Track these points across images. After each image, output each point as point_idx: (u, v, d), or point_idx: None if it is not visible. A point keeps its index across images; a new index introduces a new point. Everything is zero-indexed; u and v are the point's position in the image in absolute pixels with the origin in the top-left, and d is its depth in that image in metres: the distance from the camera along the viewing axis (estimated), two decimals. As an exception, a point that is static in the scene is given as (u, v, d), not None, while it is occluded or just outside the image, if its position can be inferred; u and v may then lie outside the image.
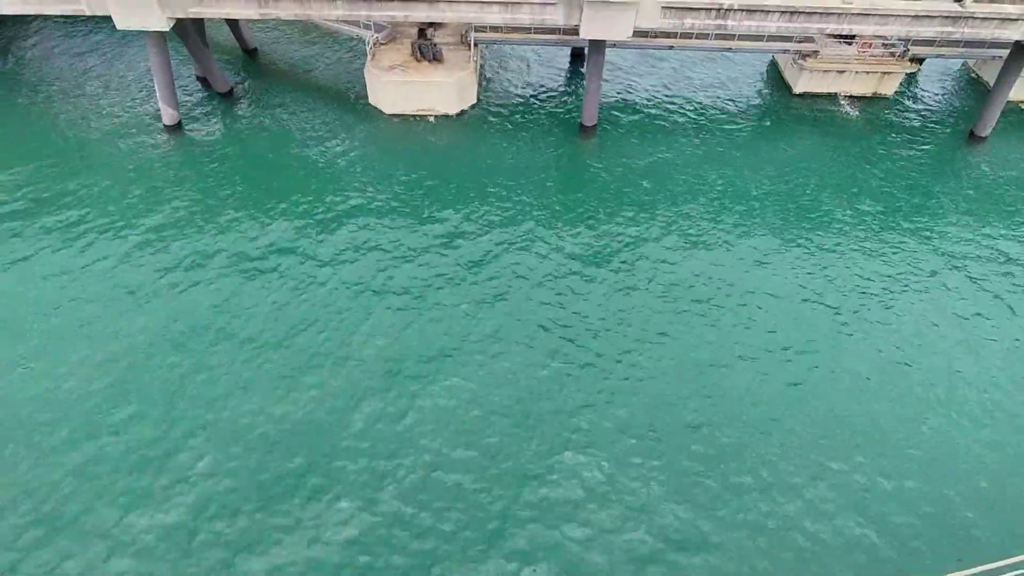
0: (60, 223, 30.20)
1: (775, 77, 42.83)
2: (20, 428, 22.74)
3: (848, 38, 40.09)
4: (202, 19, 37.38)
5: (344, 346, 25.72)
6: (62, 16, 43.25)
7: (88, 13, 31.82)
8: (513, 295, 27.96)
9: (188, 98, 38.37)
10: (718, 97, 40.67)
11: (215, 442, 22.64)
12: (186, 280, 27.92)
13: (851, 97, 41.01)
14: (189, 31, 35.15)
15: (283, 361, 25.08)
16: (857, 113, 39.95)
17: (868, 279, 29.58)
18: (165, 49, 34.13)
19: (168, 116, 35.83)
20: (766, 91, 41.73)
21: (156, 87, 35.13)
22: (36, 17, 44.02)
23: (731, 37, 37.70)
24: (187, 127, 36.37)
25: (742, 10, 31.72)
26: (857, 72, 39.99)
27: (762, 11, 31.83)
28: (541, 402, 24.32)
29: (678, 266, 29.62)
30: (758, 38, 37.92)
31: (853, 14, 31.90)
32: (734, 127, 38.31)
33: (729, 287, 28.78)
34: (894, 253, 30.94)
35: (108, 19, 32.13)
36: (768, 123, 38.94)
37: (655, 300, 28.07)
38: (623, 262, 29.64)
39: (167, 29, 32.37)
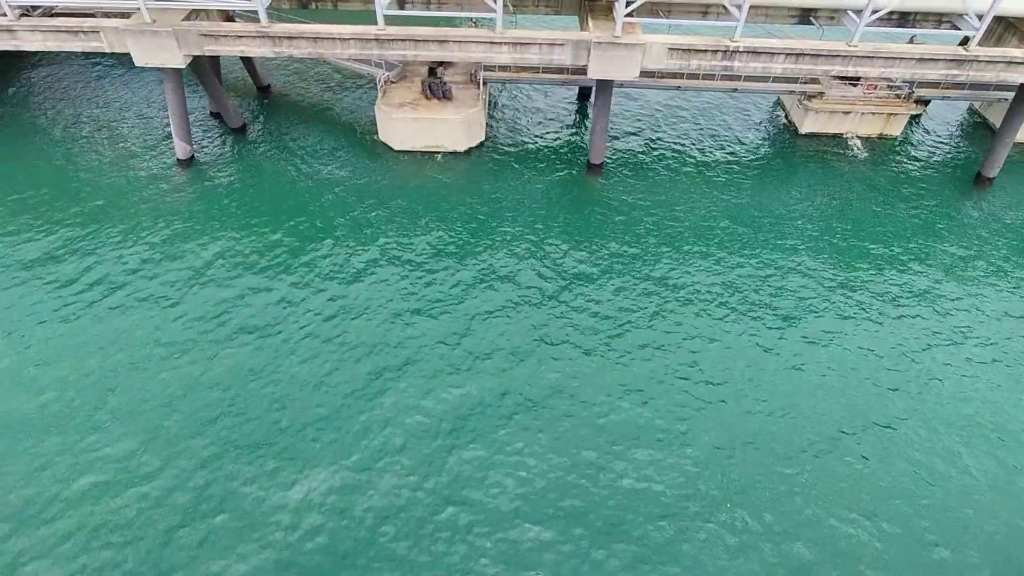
0: (68, 259, 30.39)
1: (781, 117, 43.17)
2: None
3: (853, 79, 40.51)
4: (218, 57, 38.25)
5: (341, 392, 25.45)
6: (82, 52, 44.35)
7: (107, 50, 32.55)
8: (514, 337, 27.69)
9: (202, 133, 39.00)
10: (724, 137, 40.96)
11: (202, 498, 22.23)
12: (190, 317, 27.90)
13: (857, 137, 41.23)
14: (205, 68, 35.90)
15: (289, 405, 24.83)
16: (864, 154, 40.06)
17: (875, 322, 29.17)
18: (180, 86, 34.80)
19: (181, 150, 36.36)
20: (772, 131, 42.01)
21: (171, 122, 35.73)
22: (57, 52, 45.19)
23: (737, 78, 38.19)
24: (200, 162, 36.85)
25: (748, 52, 32.14)
26: (863, 113, 40.27)
27: (768, 53, 32.24)
28: (550, 454, 23.86)
29: (680, 312, 29.33)
30: (764, 79, 38.39)
31: (858, 56, 32.25)
32: (740, 167, 38.44)
33: (726, 334, 28.42)
34: (903, 297, 30.57)
35: (126, 56, 32.87)
36: (774, 164, 39.02)
37: (656, 347, 27.74)
38: (627, 309, 29.31)
39: (183, 67, 33.07)
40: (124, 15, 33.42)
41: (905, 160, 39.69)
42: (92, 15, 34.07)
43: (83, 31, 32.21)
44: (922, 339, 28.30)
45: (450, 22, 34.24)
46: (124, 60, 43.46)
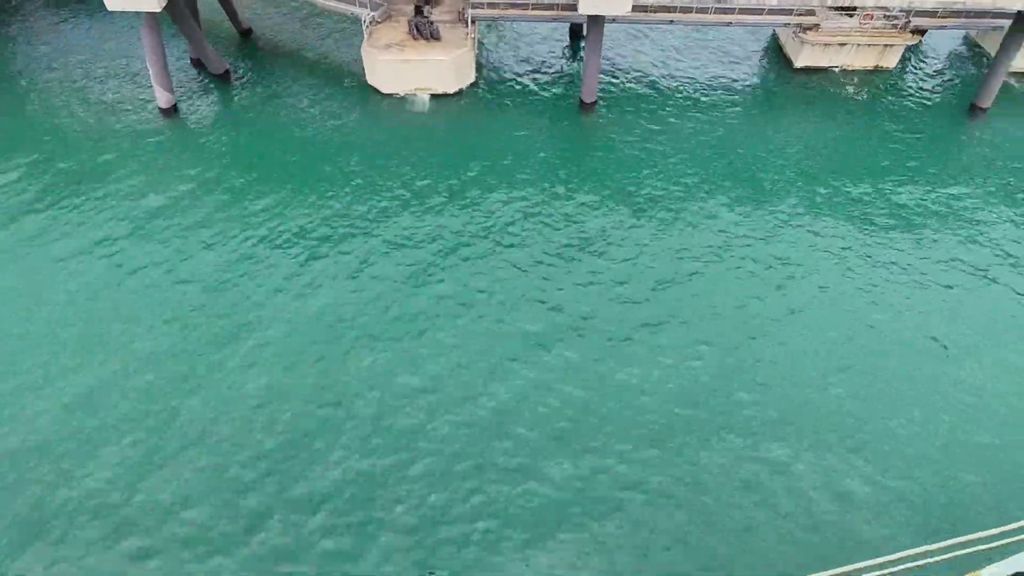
0: (55, 212, 30.03)
1: (776, 51, 42.38)
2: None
3: (850, 10, 39.62)
4: (195, -1, 36.82)
5: (329, 325, 25.87)
6: (51, -2, 42.53)
7: (78, -6, 31.28)
8: (505, 278, 27.98)
9: (184, 81, 37.89)
10: (718, 73, 40.26)
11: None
12: (175, 264, 27.90)
13: (852, 71, 40.65)
14: (182, 11, 34.55)
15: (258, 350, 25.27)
16: (859, 87, 39.61)
17: (867, 256, 29.63)
18: (157, 31, 33.54)
19: (163, 99, 35.38)
20: (767, 66, 41.34)
21: (150, 70, 34.64)
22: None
23: (732, 11, 37.22)
24: (183, 110, 35.98)
25: (743, -18, 31.32)
26: (859, 45, 39.58)
27: (763, -17, 31.44)
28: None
29: (675, 248, 29.60)
30: (759, 11, 37.43)
31: (855, -15, 31.51)
32: (735, 103, 38.00)
33: (722, 270, 28.86)
34: (894, 230, 30.92)
35: (99, 1, 31.60)
36: (768, 98, 38.64)
37: (649, 283, 28.17)
38: (621, 245, 29.53)
39: (159, 10, 31.80)
40: (93, -45, 31.91)
41: (900, 92, 39.33)
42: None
43: (52, -26, 30.80)
44: (911, 274, 28.91)
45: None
46: (92, 6, 41.61)
